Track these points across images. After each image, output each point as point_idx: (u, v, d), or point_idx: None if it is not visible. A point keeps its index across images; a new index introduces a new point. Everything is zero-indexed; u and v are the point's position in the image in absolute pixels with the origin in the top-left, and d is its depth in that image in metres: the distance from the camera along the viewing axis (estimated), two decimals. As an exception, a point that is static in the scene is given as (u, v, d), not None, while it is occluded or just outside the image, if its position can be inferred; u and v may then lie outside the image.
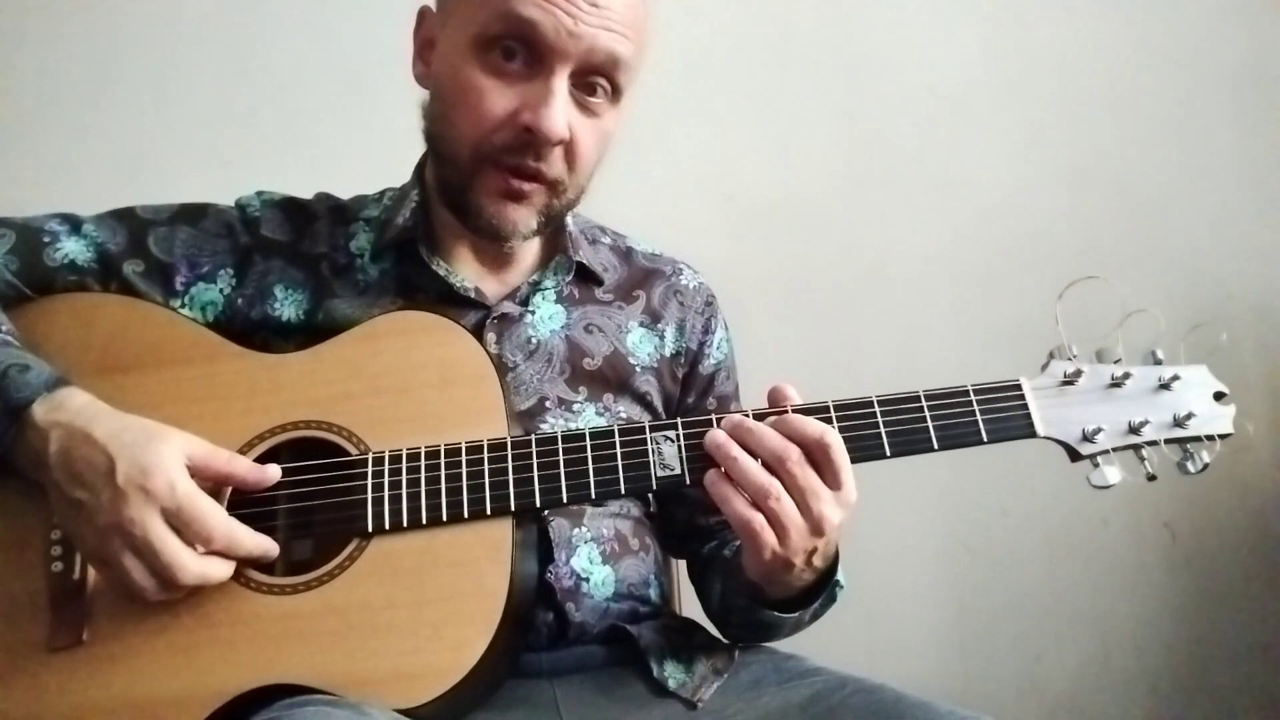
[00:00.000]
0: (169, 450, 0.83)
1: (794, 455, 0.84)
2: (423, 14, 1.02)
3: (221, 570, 0.84)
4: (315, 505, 0.89)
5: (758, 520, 0.84)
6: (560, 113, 0.91)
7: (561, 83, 0.91)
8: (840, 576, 0.97)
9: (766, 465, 0.85)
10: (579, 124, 0.94)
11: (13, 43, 1.79)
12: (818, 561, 0.88)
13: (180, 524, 0.81)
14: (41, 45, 1.79)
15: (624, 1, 0.92)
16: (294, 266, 1.04)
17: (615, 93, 0.96)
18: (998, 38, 1.94)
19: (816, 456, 0.85)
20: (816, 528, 0.84)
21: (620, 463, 0.89)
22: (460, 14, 0.94)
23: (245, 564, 0.87)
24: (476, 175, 0.95)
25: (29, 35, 1.79)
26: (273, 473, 0.88)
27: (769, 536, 0.84)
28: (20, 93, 1.78)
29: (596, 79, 0.94)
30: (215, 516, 0.83)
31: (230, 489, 0.87)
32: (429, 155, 1.04)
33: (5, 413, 0.84)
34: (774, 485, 0.84)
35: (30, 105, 1.78)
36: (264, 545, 0.86)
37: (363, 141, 1.73)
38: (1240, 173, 1.92)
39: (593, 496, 0.90)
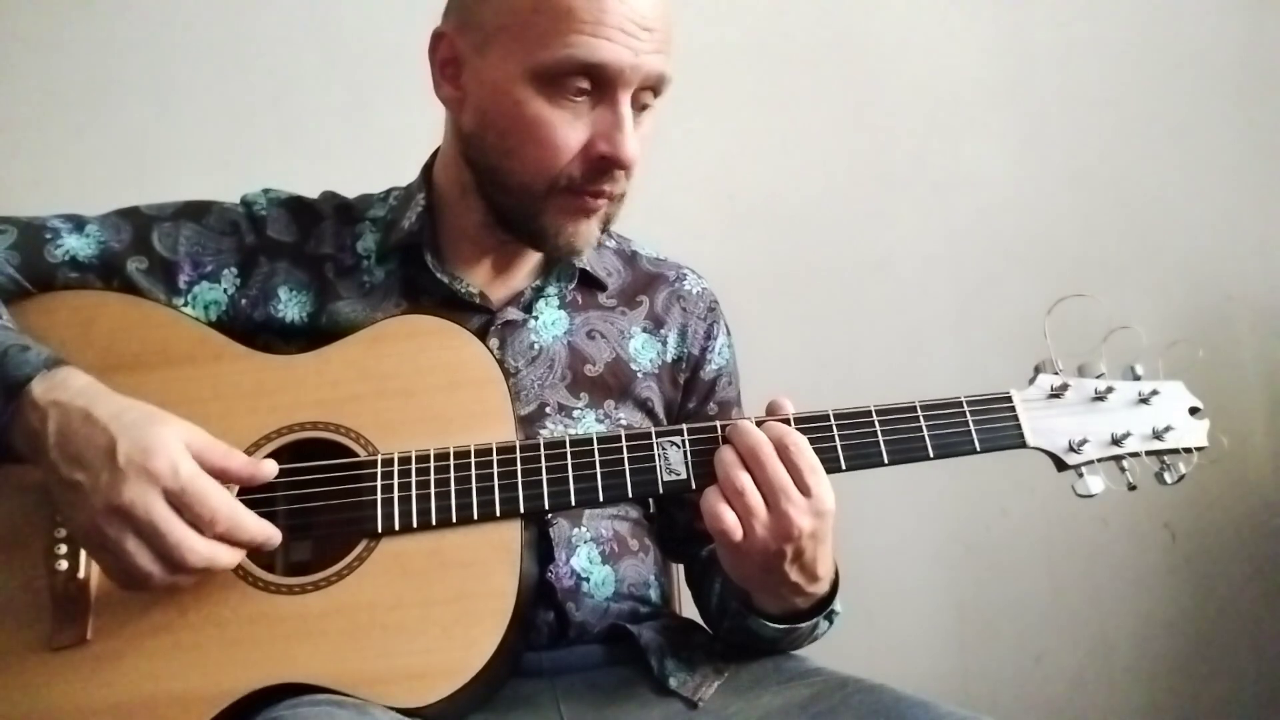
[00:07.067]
0: (171, 432, 0.81)
1: (764, 451, 0.85)
2: (438, 36, 0.99)
3: (229, 555, 0.82)
4: (324, 505, 0.89)
5: (728, 516, 0.84)
6: (634, 139, 0.93)
7: (628, 108, 0.93)
8: (838, 605, 0.97)
9: (742, 461, 0.86)
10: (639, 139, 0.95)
11: (13, 43, 1.78)
12: (794, 575, 0.87)
13: (183, 505, 0.79)
14: (41, 45, 1.79)
15: (665, 20, 0.94)
16: (299, 268, 1.04)
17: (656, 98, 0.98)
18: (998, 38, 1.94)
19: (781, 457, 0.86)
20: (783, 530, 0.84)
21: (628, 467, 0.90)
22: (505, 44, 0.93)
23: (249, 557, 0.86)
24: (549, 202, 0.96)
25: (29, 35, 1.79)
26: (268, 468, 0.86)
27: (736, 534, 0.84)
28: (20, 93, 1.77)
29: (646, 94, 0.96)
30: (219, 497, 0.81)
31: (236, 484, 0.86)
32: (477, 182, 1.01)
33: (3, 390, 0.83)
34: (742, 478, 0.85)
35: (30, 105, 1.77)
36: (267, 531, 0.83)
37: (363, 141, 1.73)
38: (1240, 173, 1.92)
39: (600, 500, 0.90)
